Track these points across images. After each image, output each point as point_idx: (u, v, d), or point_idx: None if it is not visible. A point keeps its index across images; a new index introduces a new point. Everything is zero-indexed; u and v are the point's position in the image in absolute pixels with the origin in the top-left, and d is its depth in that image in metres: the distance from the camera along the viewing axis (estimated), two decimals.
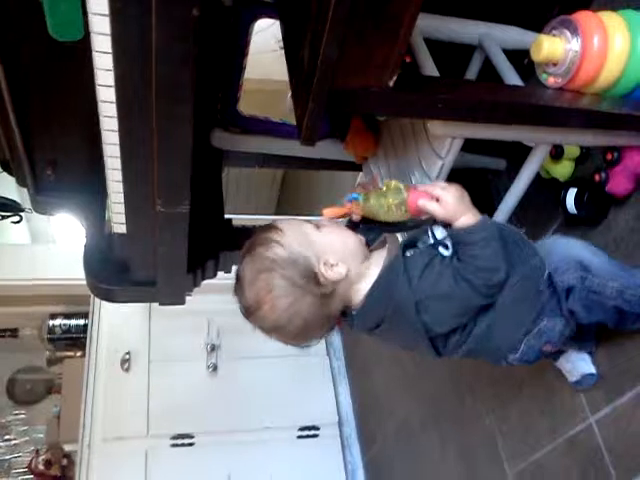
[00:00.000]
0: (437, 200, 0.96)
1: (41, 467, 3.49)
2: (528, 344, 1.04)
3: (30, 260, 3.37)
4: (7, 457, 3.77)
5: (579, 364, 1.36)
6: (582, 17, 1.10)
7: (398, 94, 0.95)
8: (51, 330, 3.77)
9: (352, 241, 1.02)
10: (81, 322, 3.71)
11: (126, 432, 2.87)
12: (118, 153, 0.94)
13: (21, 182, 1.28)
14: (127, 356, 3.03)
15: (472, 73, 1.39)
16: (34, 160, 1.21)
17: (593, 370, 1.34)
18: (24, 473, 3.62)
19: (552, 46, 1.10)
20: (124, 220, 1.10)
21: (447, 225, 0.99)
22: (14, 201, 1.80)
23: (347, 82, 0.89)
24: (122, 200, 1.05)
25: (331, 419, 3.10)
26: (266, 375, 3.07)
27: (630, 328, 1.17)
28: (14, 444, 3.82)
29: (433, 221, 1.01)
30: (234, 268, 1.20)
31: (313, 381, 3.18)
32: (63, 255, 3.23)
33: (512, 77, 1.21)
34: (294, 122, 0.97)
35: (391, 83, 0.92)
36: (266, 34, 1.30)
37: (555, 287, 1.03)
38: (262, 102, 1.47)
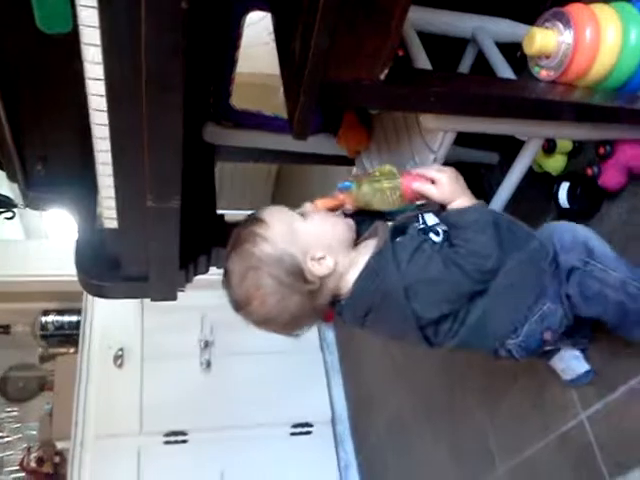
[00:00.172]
0: (432, 182, 0.96)
1: (33, 465, 3.48)
2: (530, 327, 1.02)
3: (23, 256, 3.35)
4: None
5: (572, 363, 1.34)
6: (575, 9, 1.09)
7: (390, 87, 0.94)
8: (44, 327, 3.74)
9: (340, 227, 1.01)
10: (74, 319, 3.68)
11: (119, 429, 2.87)
12: (108, 147, 0.93)
13: (12, 177, 1.27)
14: (120, 352, 3.02)
15: (465, 66, 1.39)
16: (24, 155, 1.20)
17: (588, 367, 1.33)
18: (16, 471, 3.60)
19: (545, 39, 1.10)
20: (115, 215, 1.10)
21: (438, 213, 0.99)
22: (7, 197, 1.78)
23: (338, 74, 0.88)
24: (113, 195, 1.04)
25: (324, 416, 3.10)
26: (260, 371, 3.06)
27: (630, 335, 1.11)
28: (6, 442, 3.80)
29: (423, 207, 1.00)
30: None
31: (307, 378, 3.18)
32: (56, 251, 3.21)
33: (505, 70, 1.21)
34: (286, 116, 0.96)
35: (382, 76, 0.91)
36: (258, 27, 1.29)
37: (558, 265, 1.01)
38: (254, 96, 1.46)
